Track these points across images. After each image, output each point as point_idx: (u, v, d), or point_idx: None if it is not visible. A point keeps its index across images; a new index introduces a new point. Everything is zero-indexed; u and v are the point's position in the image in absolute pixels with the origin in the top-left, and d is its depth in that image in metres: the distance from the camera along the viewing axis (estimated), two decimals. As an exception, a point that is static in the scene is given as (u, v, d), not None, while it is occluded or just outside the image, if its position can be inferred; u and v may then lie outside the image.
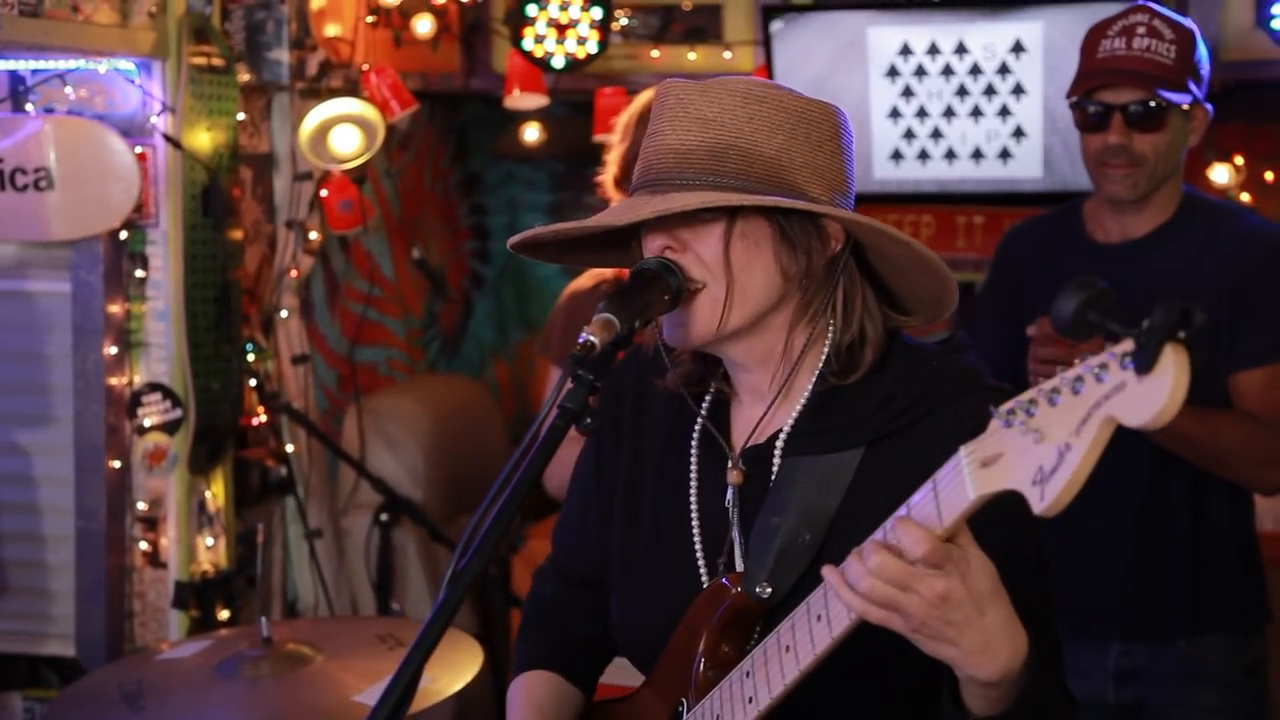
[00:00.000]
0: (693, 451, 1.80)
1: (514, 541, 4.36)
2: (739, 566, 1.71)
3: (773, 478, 1.70)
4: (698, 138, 1.63)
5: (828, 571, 1.45)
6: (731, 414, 1.80)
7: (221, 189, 3.54)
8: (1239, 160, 4.22)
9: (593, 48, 4.05)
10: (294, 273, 3.96)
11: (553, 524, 4.71)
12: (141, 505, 3.54)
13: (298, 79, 3.85)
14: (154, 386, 3.51)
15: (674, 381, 1.79)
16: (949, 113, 4.26)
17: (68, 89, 3.36)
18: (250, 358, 3.76)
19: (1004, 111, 4.24)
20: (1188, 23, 2.92)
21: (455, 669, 2.55)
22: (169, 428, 3.51)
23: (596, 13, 4.01)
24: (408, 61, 4.23)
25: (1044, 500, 1.25)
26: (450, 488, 4.40)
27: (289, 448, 3.91)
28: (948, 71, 4.23)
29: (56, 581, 3.61)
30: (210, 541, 3.61)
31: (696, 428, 1.81)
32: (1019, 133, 4.24)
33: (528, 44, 4.03)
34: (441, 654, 2.57)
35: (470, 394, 4.89)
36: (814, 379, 1.70)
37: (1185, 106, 2.87)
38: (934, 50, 4.23)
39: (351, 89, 3.97)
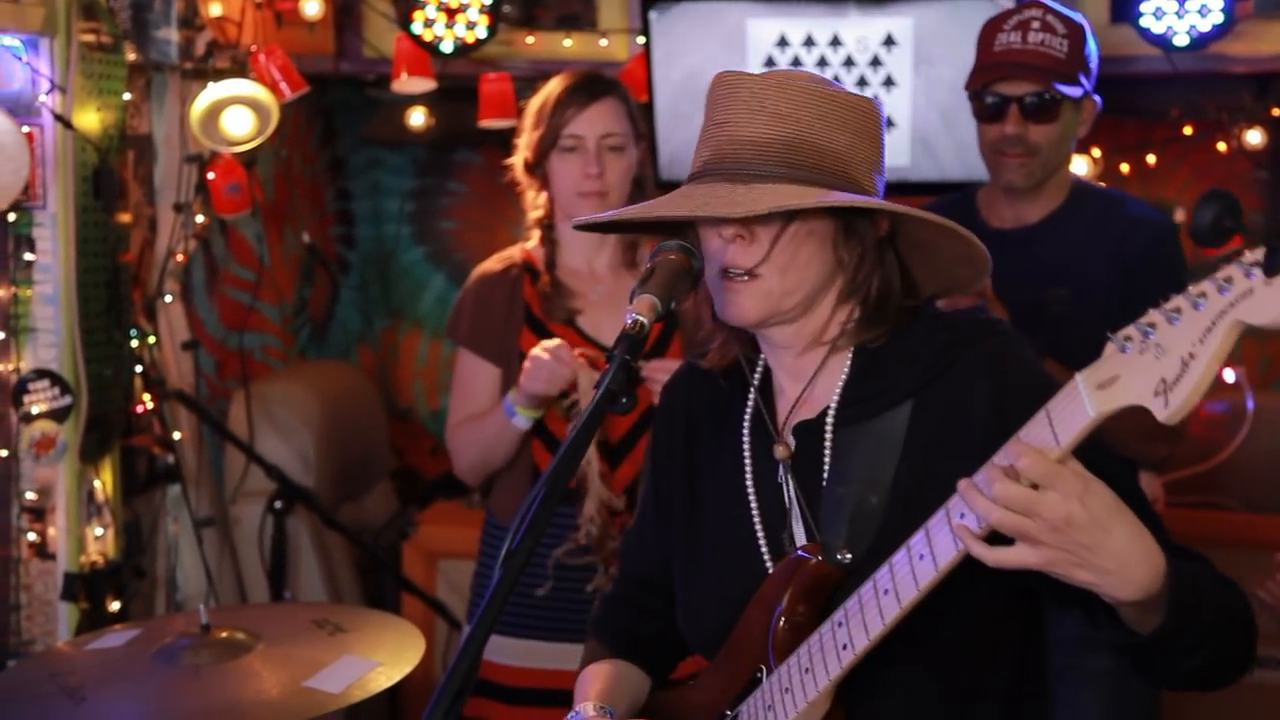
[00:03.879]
0: (744, 437, 1.90)
1: (404, 528, 4.35)
2: (797, 537, 1.81)
3: (826, 450, 1.80)
4: (775, 132, 1.73)
5: (960, 528, 1.52)
6: (775, 396, 1.91)
7: (113, 170, 3.45)
8: (1096, 152, 4.44)
9: (481, 32, 4.05)
10: (179, 257, 3.88)
11: (441, 511, 4.73)
12: (30, 495, 3.43)
13: (185, 59, 3.76)
14: (42, 373, 3.39)
15: (714, 362, 1.92)
16: (823, 103, 4.37)
17: (-46, 66, 3.24)
18: (134, 343, 3.67)
19: (875, 102, 4.37)
20: (1079, 18, 3.08)
21: (400, 657, 2.54)
22: (57, 415, 3.40)
23: (486, -3, 4.02)
24: (285, 43, 4.16)
25: (1168, 408, 1.34)
26: (338, 474, 4.36)
27: (175, 435, 3.83)
28: (822, 63, 4.35)
29: (-62, 576, 3.48)
30: (99, 532, 3.52)
31: (746, 416, 1.91)
32: (889, 123, 4.38)
33: (417, 28, 4.01)
34: (384, 641, 2.59)
35: (352, 380, 4.85)
36: (850, 353, 1.82)
37: (1076, 98, 3.03)
38: (810, 42, 4.34)
39: (239, 70, 3.90)
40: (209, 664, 2.50)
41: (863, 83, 4.35)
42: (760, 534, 1.85)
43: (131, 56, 3.63)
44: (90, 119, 3.41)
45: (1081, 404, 1.43)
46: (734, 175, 1.73)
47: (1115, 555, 1.47)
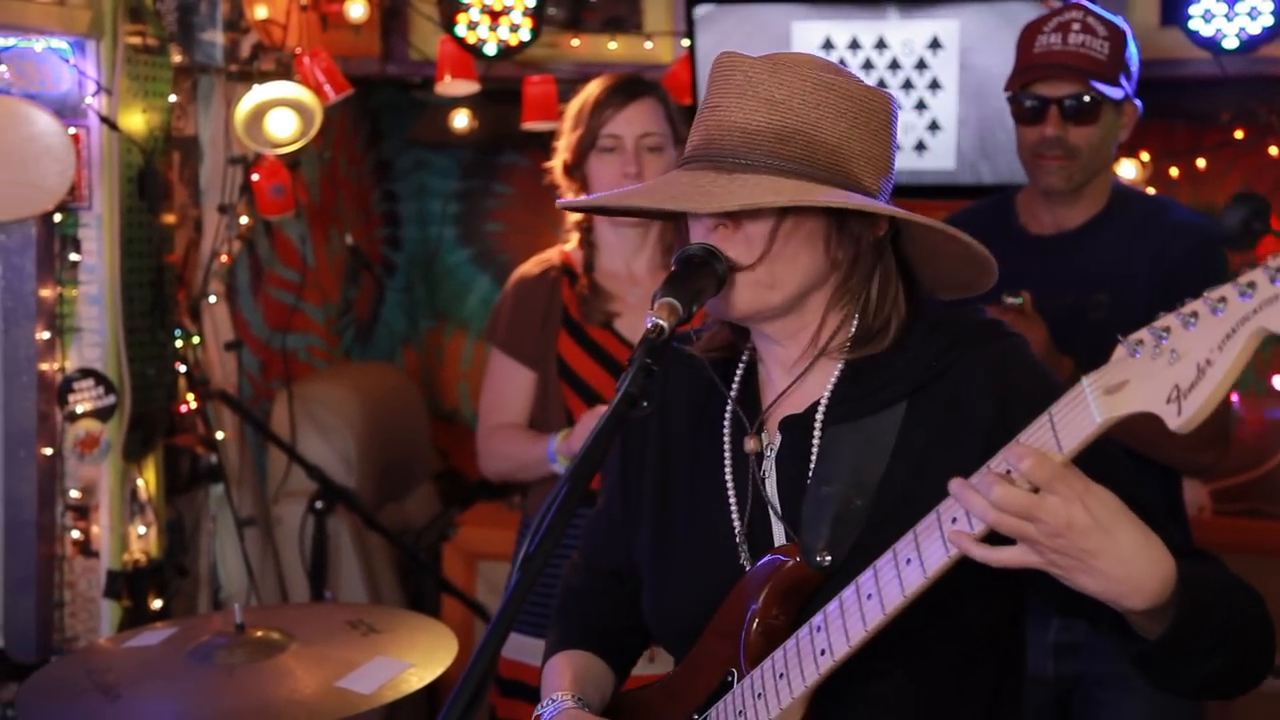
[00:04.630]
0: (725, 428, 1.84)
1: (444, 529, 4.36)
2: (776, 535, 1.76)
3: (813, 448, 1.74)
4: (765, 119, 1.67)
5: (955, 535, 1.47)
6: (760, 386, 1.85)
7: (158, 171, 3.48)
8: (1145, 156, 4.39)
9: (525, 35, 4.05)
10: (224, 258, 3.91)
11: (481, 512, 4.72)
12: (74, 493, 3.47)
13: (231, 61, 3.80)
14: (86, 372, 3.43)
15: (704, 349, 1.85)
16: (868, 106, 4.36)
17: (1, 67, 3.27)
18: (179, 344, 3.71)
19: (920, 105, 4.35)
20: (1119, 20, 3.04)
21: (432, 658, 2.55)
22: (101, 414, 3.44)
23: (529, 0, 4.02)
24: (331, 45, 4.19)
25: (1181, 415, 1.29)
26: (380, 475, 4.38)
27: (218, 435, 3.86)
28: (868, 66, 4.32)
29: (-16, 572, 3.53)
30: (142, 530, 3.55)
31: (729, 408, 1.84)
32: (934, 126, 4.36)
33: (460, 30, 4.02)
34: (417, 642, 2.60)
35: (395, 381, 4.87)
36: (844, 352, 1.75)
37: (1117, 100, 2.99)
38: (855, 45, 4.32)
39: (284, 72, 3.93)
40: (243, 663, 2.52)
41: (909, 86, 4.32)
42: (737, 530, 1.78)
43: (177, 59, 3.66)
44: (136, 121, 3.44)
45: (1087, 409, 1.38)
46: (720, 163, 1.68)
47: (1120, 561, 1.42)
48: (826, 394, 1.75)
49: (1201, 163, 4.50)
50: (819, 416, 1.75)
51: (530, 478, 3.19)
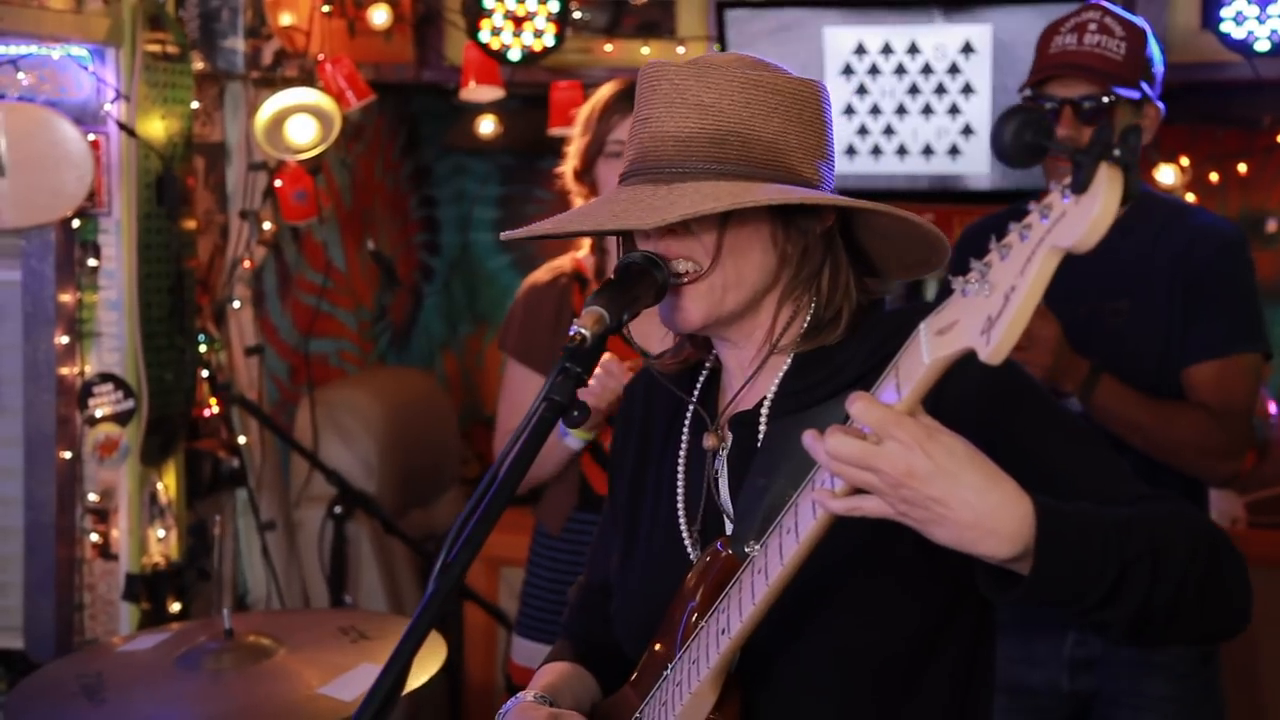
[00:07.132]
0: (684, 430, 1.84)
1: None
2: (728, 532, 1.74)
3: (759, 442, 1.73)
4: (697, 125, 1.65)
5: (819, 492, 1.45)
6: (721, 388, 1.84)
7: (176, 178, 3.50)
8: (1184, 161, 4.29)
9: (549, 40, 4.05)
10: (247, 263, 3.93)
11: (505, 518, 4.69)
12: (93, 497, 3.50)
13: (253, 68, 3.82)
14: (106, 377, 3.46)
15: (671, 362, 1.85)
16: (901, 110, 4.31)
17: (20, 75, 3.31)
18: (202, 348, 3.73)
19: (953, 110, 4.29)
20: (1139, 21, 2.98)
21: (419, 664, 2.53)
22: (120, 418, 3.47)
23: (554, 5, 4.01)
24: (361, 52, 4.21)
25: (990, 345, 1.26)
26: (403, 481, 4.39)
27: (241, 439, 3.88)
28: (900, 71, 4.27)
29: (4, 573, 3.56)
30: (161, 533, 3.57)
31: (689, 411, 1.85)
32: (967, 130, 4.29)
33: (484, 36, 4.02)
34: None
35: (422, 387, 4.88)
36: (796, 346, 1.74)
37: (1135, 102, 2.92)
38: (887, 50, 4.27)
39: (307, 79, 3.95)
40: (229, 669, 2.52)
41: (942, 90, 4.26)
42: (684, 528, 1.79)
43: (199, 66, 3.68)
44: (155, 127, 3.47)
45: (919, 352, 1.36)
46: (657, 175, 1.66)
47: (969, 506, 1.38)
48: (772, 389, 1.74)
49: (1243, 167, 4.39)
50: (764, 411, 1.74)
51: (550, 468, 3.14)
